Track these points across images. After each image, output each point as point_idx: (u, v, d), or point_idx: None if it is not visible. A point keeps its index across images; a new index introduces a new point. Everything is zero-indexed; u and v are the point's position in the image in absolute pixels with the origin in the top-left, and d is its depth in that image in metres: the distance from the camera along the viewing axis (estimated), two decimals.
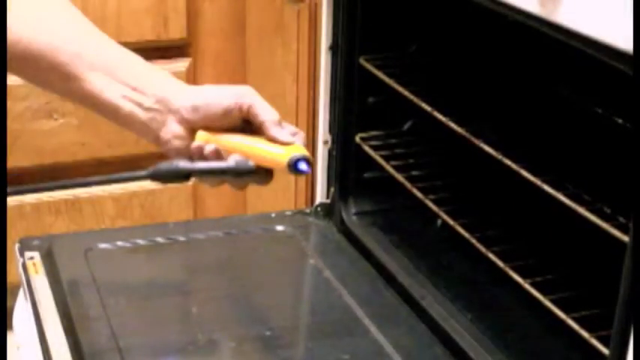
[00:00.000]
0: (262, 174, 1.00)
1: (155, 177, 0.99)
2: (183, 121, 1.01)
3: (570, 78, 1.31)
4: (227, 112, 1.00)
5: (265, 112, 1.00)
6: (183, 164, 0.98)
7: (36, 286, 1.22)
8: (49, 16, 1.02)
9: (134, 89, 1.01)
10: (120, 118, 1.02)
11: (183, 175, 0.99)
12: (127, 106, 1.01)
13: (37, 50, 1.00)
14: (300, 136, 1.01)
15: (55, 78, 1.02)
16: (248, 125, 1.01)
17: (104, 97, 1.01)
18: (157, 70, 1.04)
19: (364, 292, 1.26)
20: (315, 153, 1.43)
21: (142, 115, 1.01)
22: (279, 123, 1.00)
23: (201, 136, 1.01)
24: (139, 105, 1.01)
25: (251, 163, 0.98)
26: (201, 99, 1.01)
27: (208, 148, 1.00)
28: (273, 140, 0.99)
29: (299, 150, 0.99)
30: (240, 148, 1.00)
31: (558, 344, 1.13)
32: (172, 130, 1.01)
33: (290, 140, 0.99)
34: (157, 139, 1.02)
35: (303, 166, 0.98)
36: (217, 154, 0.99)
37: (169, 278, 1.33)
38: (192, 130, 1.01)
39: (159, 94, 1.01)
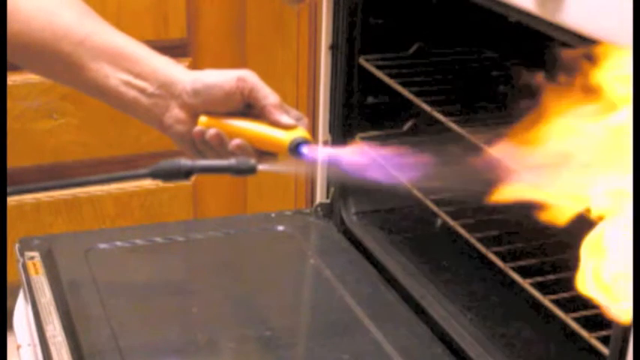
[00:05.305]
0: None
1: (156, 175, 0.98)
2: (185, 106, 1.01)
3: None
4: (228, 96, 1.00)
5: (267, 96, 1.00)
6: (184, 162, 0.98)
7: (36, 286, 1.22)
8: (50, 6, 1.03)
9: (137, 76, 1.01)
10: (124, 104, 1.03)
11: (183, 174, 0.98)
12: (131, 93, 1.02)
13: (40, 41, 1.01)
14: (304, 121, 1.01)
15: (59, 68, 1.02)
16: (250, 109, 1.01)
17: (108, 85, 1.02)
18: (158, 56, 1.04)
19: (364, 292, 1.26)
20: None
21: (145, 101, 1.02)
22: (282, 106, 1.00)
23: (203, 121, 1.01)
24: (142, 91, 1.02)
25: (252, 162, 0.98)
26: (202, 83, 1.01)
27: (210, 133, 1.00)
28: (275, 124, 1.00)
29: (301, 133, 0.99)
30: (242, 132, 1.00)
31: (558, 344, 1.13)
32: (175, 115, 1.01)
33: (292, 123, 0.99)
34: (160, 124, 1.03)
35: (304, 149, 0.98)
36: (219, 139, 0.99)
37: (169, 278, 1.32)
38: (194, 114, 1.01)
39: (161, 79, 1.01)
